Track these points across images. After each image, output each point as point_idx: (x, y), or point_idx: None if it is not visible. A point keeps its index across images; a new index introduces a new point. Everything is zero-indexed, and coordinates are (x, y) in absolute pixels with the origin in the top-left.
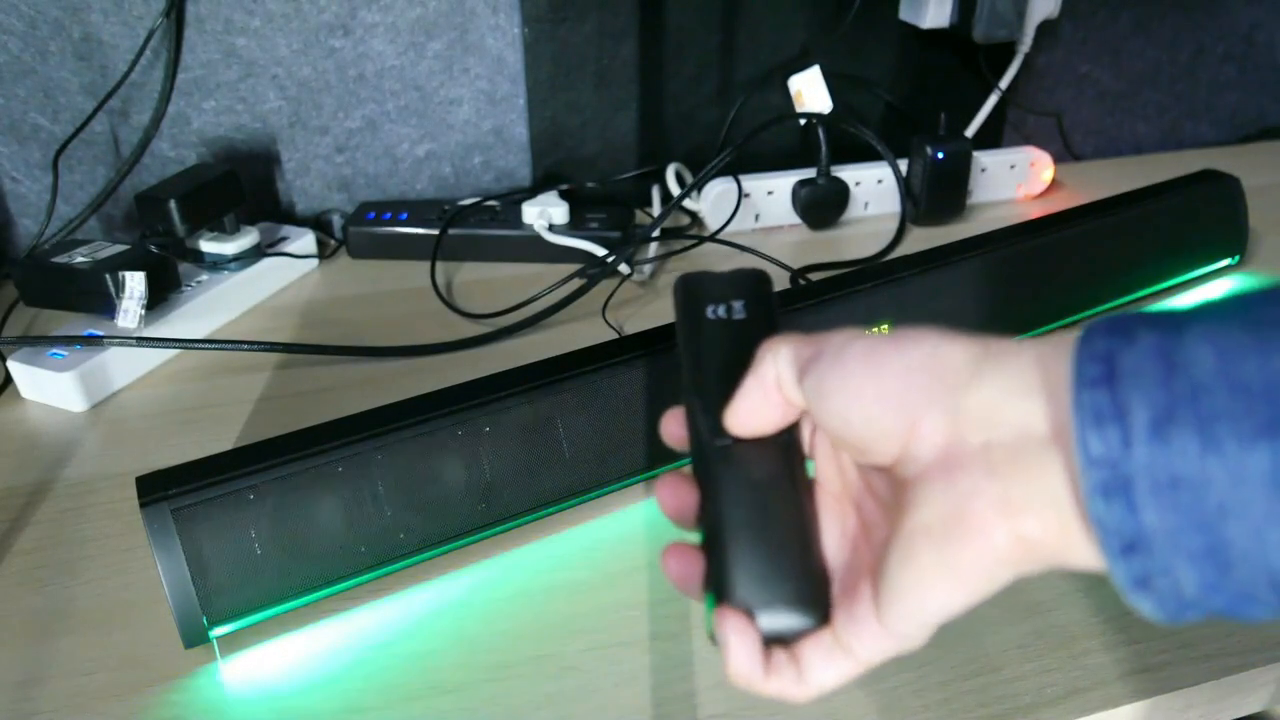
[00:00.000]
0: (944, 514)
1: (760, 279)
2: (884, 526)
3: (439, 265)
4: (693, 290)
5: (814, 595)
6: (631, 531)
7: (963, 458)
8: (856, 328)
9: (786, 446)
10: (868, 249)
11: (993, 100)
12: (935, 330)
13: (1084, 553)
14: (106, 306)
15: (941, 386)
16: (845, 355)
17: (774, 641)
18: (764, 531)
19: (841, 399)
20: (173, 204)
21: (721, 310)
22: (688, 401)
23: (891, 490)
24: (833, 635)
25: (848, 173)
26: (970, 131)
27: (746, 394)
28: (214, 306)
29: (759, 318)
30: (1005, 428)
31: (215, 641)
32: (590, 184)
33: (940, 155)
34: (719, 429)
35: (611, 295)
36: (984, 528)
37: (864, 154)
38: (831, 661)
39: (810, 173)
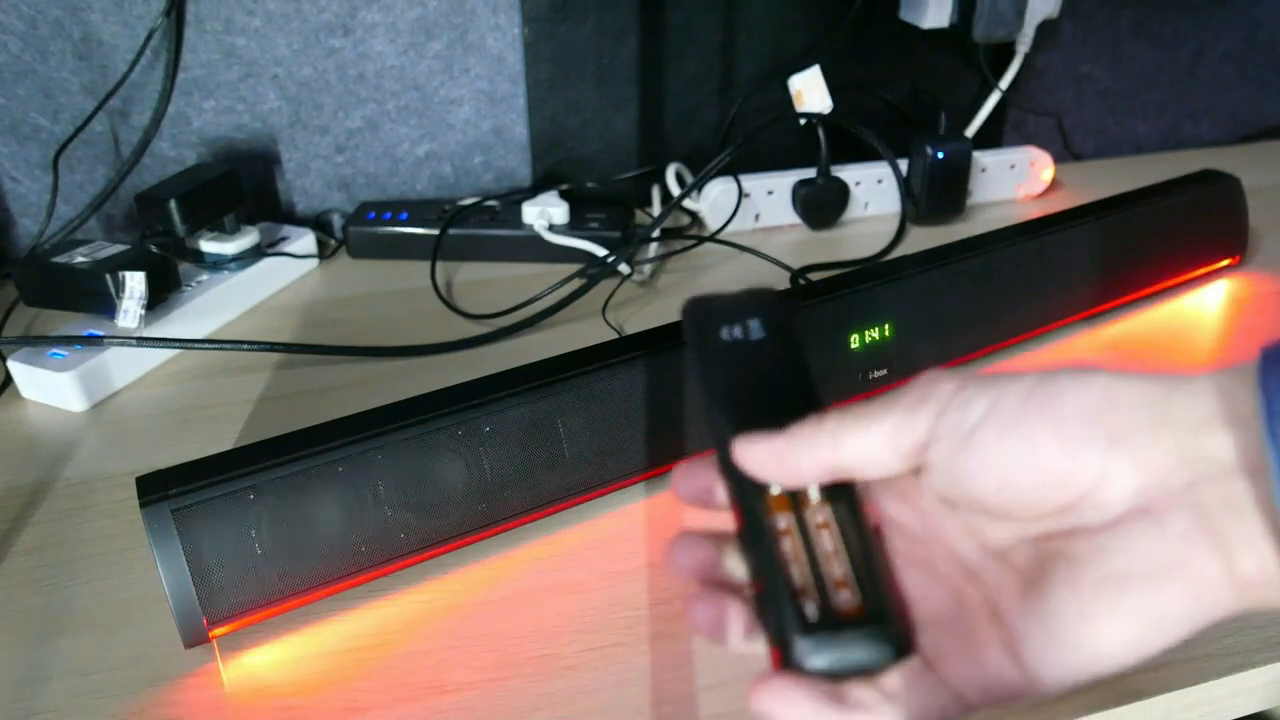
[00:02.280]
0: (1154, 560)
1: (771, 297)
2: (996, 570)
3: (439, 265)
4: (702, 313)
5: (895, 626)
6: (631, 531)
7: (1165, 500)
8: (964, 373)
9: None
10: (868, 249)
11: (993, 100)
12: (1083, 366)
13: None
14: (106, 306)
15: (1131, 428)
16: (999, 408)
17: (850, 676)
18: (829, 566)
19: (1005, 456)
20: (173, 204)
21: (738, 331)
22: (720, 437)
23: (1027, 537)
24: (932, 674)
25: (848, 173)
26: (970, 131)
27: (784, 440)
28: (214, 306)
29: (779, 335)
30: (1204, 464)
31: (215, 641)
32: (590, 184)
33: (940, 155)
34: None
35: (611, 295)
36: (1201, 572)
37: (864, 154)
38: (930, 697)
39: (810, 173)
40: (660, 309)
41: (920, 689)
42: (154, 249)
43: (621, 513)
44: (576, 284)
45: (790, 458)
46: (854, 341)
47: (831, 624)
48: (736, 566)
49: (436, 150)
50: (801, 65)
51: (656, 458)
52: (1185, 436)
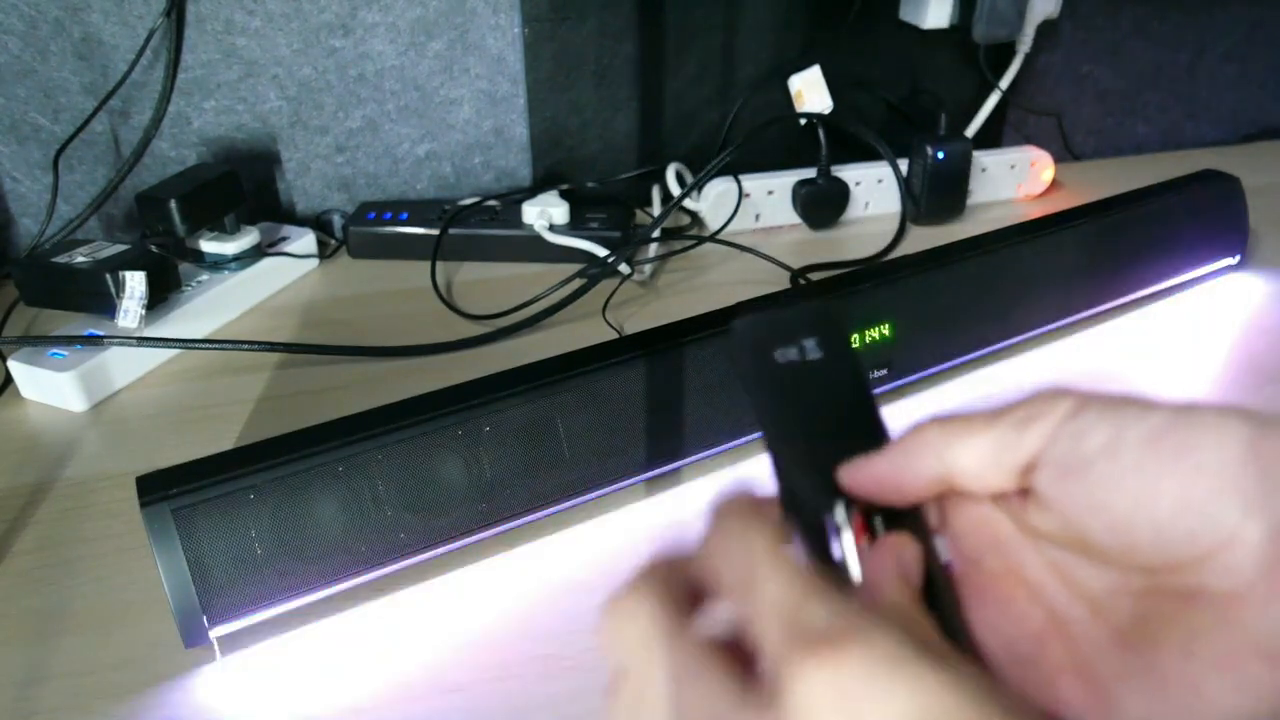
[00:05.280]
0: None
1: (826, 312)
2: (1087, 621)
3: (439, 265)
4: (753, 335)
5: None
6: (631, 531)
7: None
8: (1098, 397)
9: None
10: (868, 249)
11: (993, 100)
12: (1224, 409)
13: None
14: (107, 306)
15: (1272, 488)
16: (1121, 442)
17: None
18: None
19: (1122, 498)
20: (173, 204)
21: (793, 353)
22: (782, 465)
23: (1131, 590)
24: None
25: (848, 173)
26: (970, 131)
27: (887, 459)
28: (214, 306)
29: (836, 355)
30: None
31: (215, 641)
32: (590, 184)
33: (940, 155)
34: (829, 488)
35: (611, 295)
36: None
37: (864, 154)
38: None
39: (810, 173)
40: (660, 309)
41: None
42: (154, 249)
43: (621, 513)
44: (576, 284)
45: (896, 476)
46: (854, 341)
47: None
48: None
49: (437, 150)
50: (801, 65)
51: (656, 457)
52: None
